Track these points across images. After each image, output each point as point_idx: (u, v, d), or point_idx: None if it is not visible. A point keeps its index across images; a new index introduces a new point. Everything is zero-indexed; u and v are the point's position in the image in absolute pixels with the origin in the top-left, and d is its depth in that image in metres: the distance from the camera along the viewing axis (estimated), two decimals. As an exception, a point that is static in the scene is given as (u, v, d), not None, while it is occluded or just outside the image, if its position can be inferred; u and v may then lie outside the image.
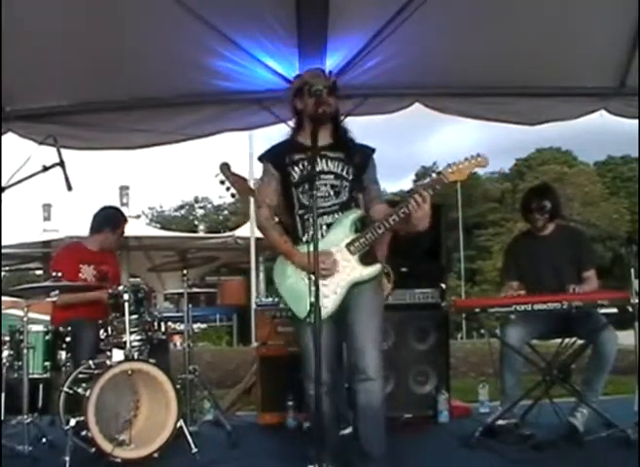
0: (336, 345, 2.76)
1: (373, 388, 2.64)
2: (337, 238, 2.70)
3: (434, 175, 2.68)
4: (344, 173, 2.77)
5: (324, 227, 2.73)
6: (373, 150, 2.87)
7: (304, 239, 2.71)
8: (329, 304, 2.64)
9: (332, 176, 2.75)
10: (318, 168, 2.73)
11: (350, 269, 2.68)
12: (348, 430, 3.35)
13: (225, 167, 2.92)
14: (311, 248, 2.54)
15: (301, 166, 2.77)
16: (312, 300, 2.51)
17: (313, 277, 2.56)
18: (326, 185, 2.74)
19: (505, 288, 3.97)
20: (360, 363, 2.64)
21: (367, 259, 2.71)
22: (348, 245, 2.69)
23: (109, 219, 4.34)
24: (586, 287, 3.72)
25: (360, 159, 2.80)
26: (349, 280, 2.67)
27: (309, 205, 2.65)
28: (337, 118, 2.85)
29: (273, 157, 2.85)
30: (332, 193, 2.74)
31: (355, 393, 2.67)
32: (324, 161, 2.76)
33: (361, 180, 2.80)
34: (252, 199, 2.95)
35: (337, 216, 2.73)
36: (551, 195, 4.02)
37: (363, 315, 2.69)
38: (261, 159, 2.91)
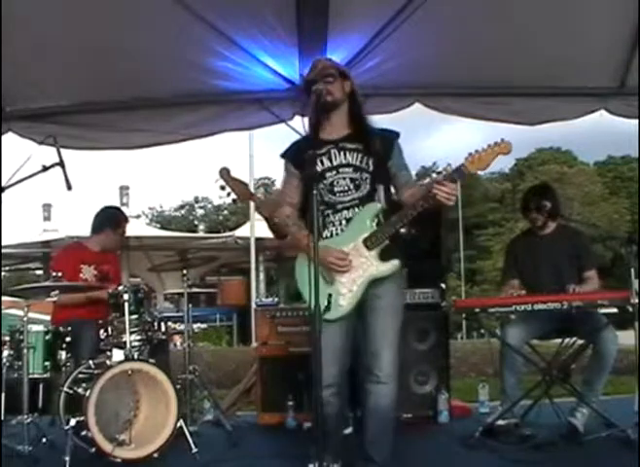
0: (350, 346, 2.69)
1: (384, 391, 2.61)
2: (355, 234, 2.62)
3: (452, 167, 2.54)
4: (364, 165, 2.68)
5: (343, 222, 2.66)
6: (396, 134, 2.75)
7: (324, 235, 2.66)
8: (344, 302, 2.59)
9: (351, 169, 2.67)
10: (336, 162, 2.69)
11: (367, 266, 2.60)
12: (348, 430, 3.36)
13: (225, 172, 2.90)
14: (332, 245, 2.58)
15: (319, 162, 2.68)
16: (328, 297, 2.54)
17: (325, 274, 2.58)
18: (345, 178, 2.67)
19: (505, 287, 3.98)
20: (373, 366, 2.60)
21: (385, 254, 2.62)
22: (365, 240, 2.61)
23: (110, 219, 4.34)
24: (587, 287, 3.73)
25: (381, 147, 2.68)
26: (366, 277, 2.60)
27: (333, 202, 2.66)
28: (353, 106, 2.76)
29: (293, 154, 2.78)
30: (351, 186, 2.66)
31: (365, 394, 2.64)
32: (342, 153, 2.69)
33: (386, 169, 2.69)
34: (252, 204, 2.92)
35: (356, 211, 2.65)
36: (551, 194, 4.03)
37: (381, 317, 2.63)
38: (282, 156, 2.84)
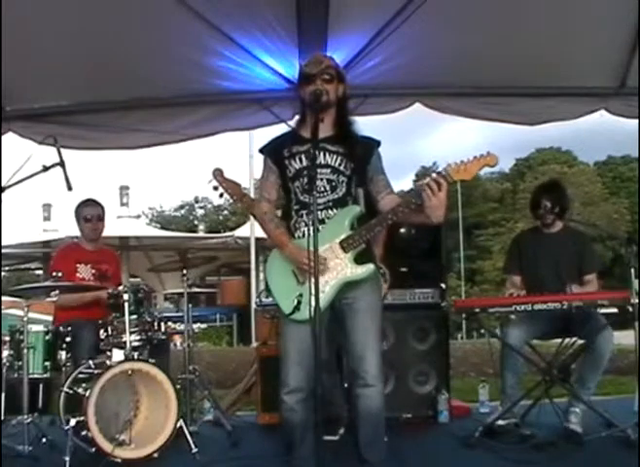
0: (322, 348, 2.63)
1: (372, 394, 2.59)
2: (332, 235, 2.58)
3: (438, 172, 2.50)
4: (342, 167, 2.66)
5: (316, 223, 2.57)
6: (377, 142, 2.75)
7: (297, 235, 2.64)
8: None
9: (328, 170, 2.64)
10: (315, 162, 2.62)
11: (341, 268, 2.57)
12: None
13: (218, 173, 2.88)
14: (306, 245, 2.50)
15: (298, 160, 2.67)
16: (299, 297, 2.52)
17: (297, 274, 2.57)
18: (322, 180, 2.63)
19: (507, 283, 4.01)
20: (359, 370, 2.59)
21: (361, 258, 2.59)
22: (342, 242, 2.58)
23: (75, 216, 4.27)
24: (586, 289, 3.72)
25: (362, 152, 2.67)
26: (339, 279, 2.56)
27: (308, 202, 2.57)
28: (342, 110, 2.73)
29: (272, 150, 2.76)
30: (327, 187, 2.63)
31: (354, 398, 2.63)
32: (322, 154, 2.65)
33: (364, 173, 2.68)
34: (240, 205, 2.91)
35: (331, 212, 2.63)
36: (561, 192, 4.04)
37: (360, 320, 2.60)
38: (261, 151, 2.82)
